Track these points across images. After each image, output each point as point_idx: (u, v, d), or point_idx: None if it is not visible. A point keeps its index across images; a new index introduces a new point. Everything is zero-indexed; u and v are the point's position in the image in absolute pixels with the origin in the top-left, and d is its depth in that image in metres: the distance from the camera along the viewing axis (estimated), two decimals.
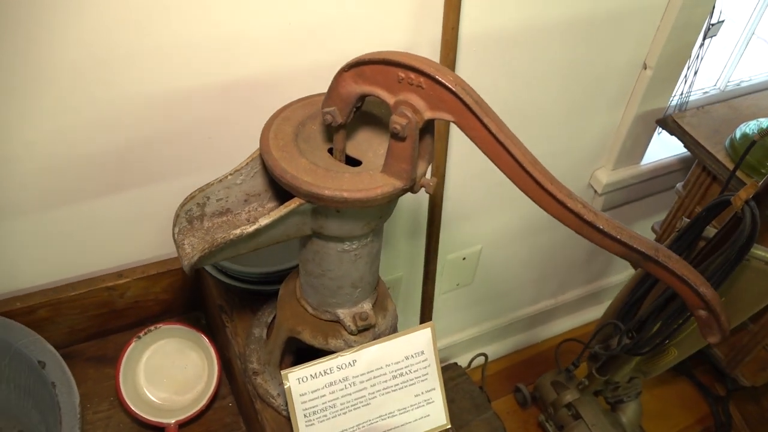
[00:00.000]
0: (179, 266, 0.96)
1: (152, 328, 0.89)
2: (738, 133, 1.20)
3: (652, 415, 1.67)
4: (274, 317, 0.87)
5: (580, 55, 1.13)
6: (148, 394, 0.89)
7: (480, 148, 0.54)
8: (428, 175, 0.61)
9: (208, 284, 0.93)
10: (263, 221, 0.58)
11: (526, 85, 1.11)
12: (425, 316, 1.32)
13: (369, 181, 0.58)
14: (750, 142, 1.01)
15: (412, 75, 0.53)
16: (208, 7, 0.76)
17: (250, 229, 0.58)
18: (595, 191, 1.43)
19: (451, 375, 1.57)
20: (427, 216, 1.16)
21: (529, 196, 0.54)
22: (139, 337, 0.88)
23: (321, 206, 0.59)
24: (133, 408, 0.85)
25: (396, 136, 0.54)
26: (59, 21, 0.69)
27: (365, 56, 0.54)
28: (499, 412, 1.57)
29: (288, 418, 0.74)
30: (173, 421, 0.85)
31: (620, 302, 1.22)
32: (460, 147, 1.11)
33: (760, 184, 0.91)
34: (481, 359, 1.57)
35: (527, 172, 0.52)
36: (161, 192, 0.92)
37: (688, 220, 1.00)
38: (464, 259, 1.40)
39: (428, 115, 0.54)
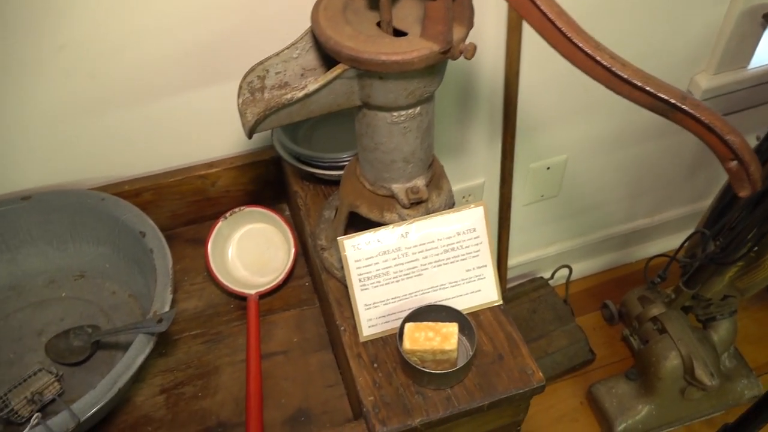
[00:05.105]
0: (264, 158, 1.05)
1: (236, 210, 0.98)
2: None
3: (751, 339, 1.59)
4: None
5: None
6: (235, 269, 0.99)
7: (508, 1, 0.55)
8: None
9: (288, 174, 1.01)
10: (311, 87, 0.63)
11: None
12: (503, 220, 1.33)
13: (407, 45, 0.61)
14: None
15: None
16: None
17: (300, 93, 0.64)
18: None
19: (535, 287, 1.58)
20: (503, 112, 1.16)
21: (558, 51, 0.54)
22: (225, 218, 0.98)
23: (364, 72, 0.63)
24: (220, 278, 0.95)
25: None
26: None
27: None
28: (584, 328, 1.57)
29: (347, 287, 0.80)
30: (254, 292, 0.95)
31: (709, 210, 1.18)
32: (536, 46, 1.10)
33: None
34: (565, 271, 1.57)
35: (554, 24, 0.53)
36: None
37: None
38: (548, 168, 1.39)
39: None
